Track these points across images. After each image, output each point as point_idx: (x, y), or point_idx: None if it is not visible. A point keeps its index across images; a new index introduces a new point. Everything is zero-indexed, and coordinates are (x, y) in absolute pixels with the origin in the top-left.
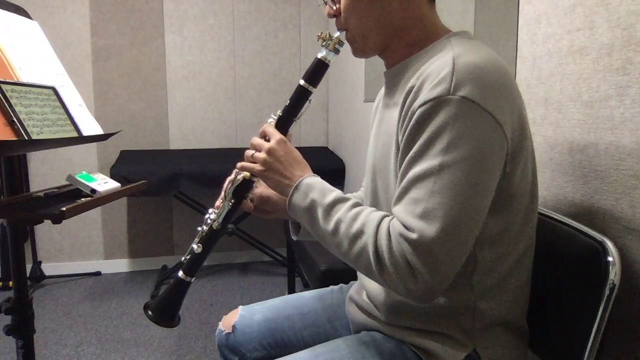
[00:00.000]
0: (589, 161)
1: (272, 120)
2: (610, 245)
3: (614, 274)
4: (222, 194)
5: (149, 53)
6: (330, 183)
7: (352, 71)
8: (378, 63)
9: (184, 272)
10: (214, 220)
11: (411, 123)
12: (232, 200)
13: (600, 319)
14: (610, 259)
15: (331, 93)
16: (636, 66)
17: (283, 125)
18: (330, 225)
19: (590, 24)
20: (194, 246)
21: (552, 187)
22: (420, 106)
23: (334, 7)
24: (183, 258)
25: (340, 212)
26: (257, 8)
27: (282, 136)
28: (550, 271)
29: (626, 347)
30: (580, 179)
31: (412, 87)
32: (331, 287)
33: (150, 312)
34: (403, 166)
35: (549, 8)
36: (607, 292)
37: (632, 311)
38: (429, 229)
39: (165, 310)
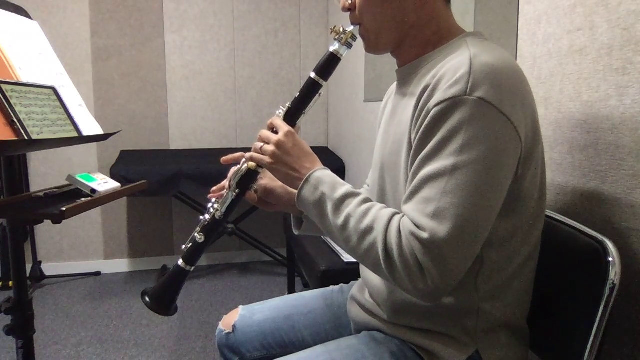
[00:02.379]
0: (589, 161)
1: (280, 112)
2: (610, 245)
3: (614, 274)
4: (227, 183)
5: (149, 53)
6: None
7: (352, 71)
8: (378, 63)
9: (184, 261)
10: (217, 210)
11: (425, 122)
12: (237, 191)
13: (600, 319)
14: (610, 259)
15: (331, 93)
16: (636, 66)
17: (291, 117)
18: (340, 220)
19: (590, 24)
20: (196, 235)
21: (552, 187)
22: (435, 105)
23: (349, 1)
24: (184, 247)
25: (350, 207)
26: (257, 8)
27: (290, 128)
28: (551, 271)
29: (626, 347)
30: (580, 179)
31: (427, 86)
32: (331, 287)
33: (147, 299)
34: (415, 164)
35: (549, 8)
36: (607, 292)
37: (632, 311)
38: (440, 228)
39: (163, 299)
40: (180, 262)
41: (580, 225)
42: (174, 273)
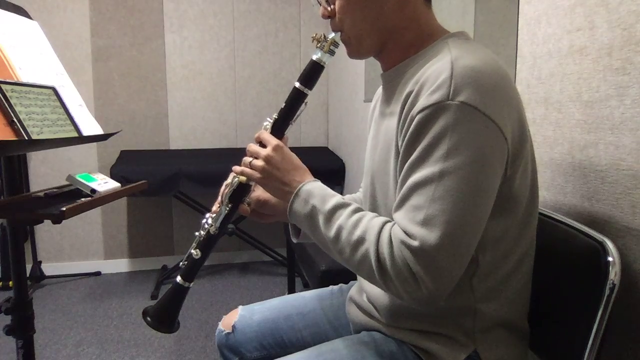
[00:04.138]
0: (589, 161)
1: (267, 123)
2: (610, 245)
3: (614, 274)
4: (219, 198)
5: (149, 53)
6: (331, 183)
7: (352, 71)
8: (378, 63)
9: (182, 278)
10: (211, 225)
11: (410, 129)
12: (229, 205)
13: (600, 319)
14: (610, 259)
15: (331, 93)
16: (636, 66)
17: (279, 129)
18: (332, 232)
19: (590, 24)
20: (193, 252)
21: (552, 187)
22: (419, 112)
23: (329, 8)
24: (181, 263)
25: (341, 218)
26: (257, 8)
27: (278, 142)
28: (551, 271)
29: (626, 347)
30: (580, 179)
31: (410, 93)
32: (331, 287)
33: (149, 319)
34: (403, 172)
35: (549, 8)
36: (607, 292)
37: (632, 311)
38: (431, 236)
39: (164, 316)
40: (179, 279)
41: (580, 225)
42: (174, 290)
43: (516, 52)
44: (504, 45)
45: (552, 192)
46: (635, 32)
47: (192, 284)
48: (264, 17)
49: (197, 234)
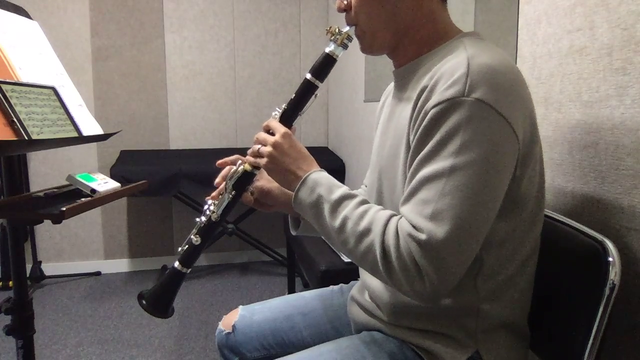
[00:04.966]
0: (589, 161)
1: (276, 113)
2: (610, 245)
3: (614, 274)
4: (223, 185)
5: (149, 53)
6: None
7: (352, 71)
8: (378, 63)
9: (180, 263)
10: (213, 212)
11: (424, 123)
12: (233, 192)
13: (600, 319)
14: (610, 259)
15: (331, 93)
16: (636, 66)
17: (287, 119)
18: (337, 222)
19: (590, 24)
20: (192, 237)
21: (552, 187)
22: (433, 107)
23: (345, 1)
24: (180, 249)
25: (347, 209)
26: (257, 8)
27: (287, 130)
28: (551, 271)
29: (626, 347)
30: (580, 179)
31: (425, 87)
32: (331, 287)
33: (144, 302)
34: (413, 166)
35: (549, 8)
36: (607, 292)
37: (632, 311)
38: (438, 230)
39: (159, 301)
40: (177, 264)
41: (580, 225)
42: (171, 275)
43: (516, 52)
44: (504, 45)
45: (552, 192)
46: (635, 32)
47: (189, 270)
48: (264, 17)
49: (197, 219)
